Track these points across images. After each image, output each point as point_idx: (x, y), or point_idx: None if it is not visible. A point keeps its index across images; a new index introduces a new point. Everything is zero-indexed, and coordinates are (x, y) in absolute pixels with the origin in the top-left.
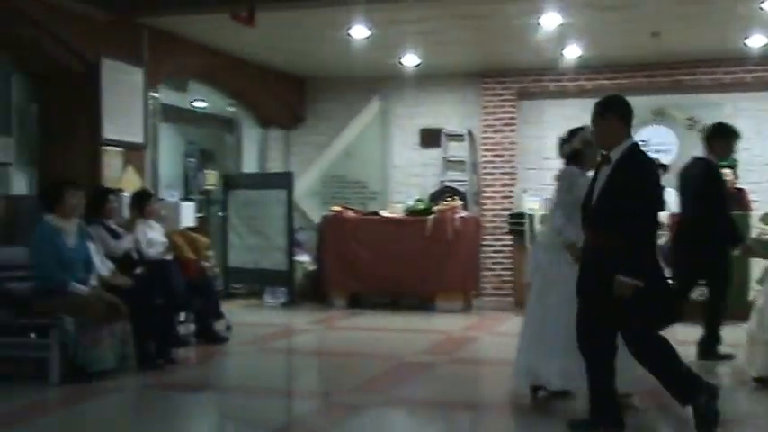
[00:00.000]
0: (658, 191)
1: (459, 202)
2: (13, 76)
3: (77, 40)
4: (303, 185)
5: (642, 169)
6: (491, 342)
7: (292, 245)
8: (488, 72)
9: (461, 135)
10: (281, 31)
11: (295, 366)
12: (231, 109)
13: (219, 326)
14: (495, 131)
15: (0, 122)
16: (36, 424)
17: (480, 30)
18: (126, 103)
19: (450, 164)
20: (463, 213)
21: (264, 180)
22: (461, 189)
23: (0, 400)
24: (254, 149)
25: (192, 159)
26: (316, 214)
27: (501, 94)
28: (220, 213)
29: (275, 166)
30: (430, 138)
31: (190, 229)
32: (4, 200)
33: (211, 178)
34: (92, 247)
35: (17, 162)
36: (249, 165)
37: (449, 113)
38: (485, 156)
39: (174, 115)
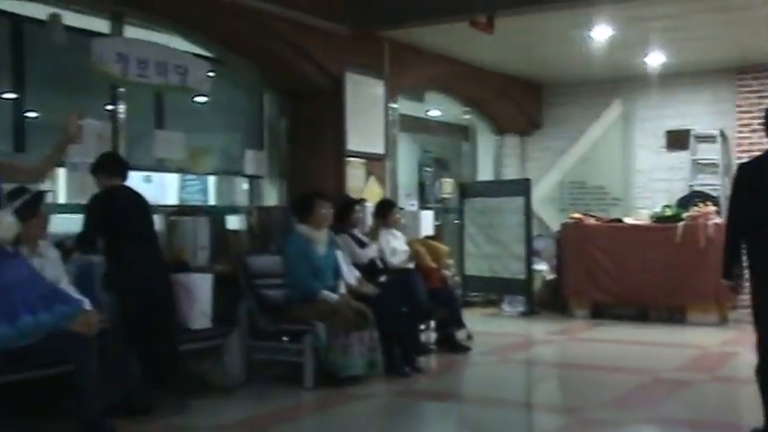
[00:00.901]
0: None
1: (712, 208)
2: (265, 93)
3: (323, 56)
4: (540, 192)
5: None
6: (753, 359)
7: (530, 253)
8: (744, 68)
9: (713, 136)
10: (519, 36)
11: (539, 378)
12: (467, 117)
13: (460, 335)
14: (752, 131)
15: (253, 137)
16: (292, 426)
17: (735, 22)
18: (368, 115)
19: (699, 167)
20: (717, 220)
21: (501, 187)
22: (713, 194)
23: (259, 401)
24: (489, 157)
25: (429, 168)
26: (554, 221)
27: (758, 91)
28: (456, 221)
29: (510, 173)
30: (677, 140)
31: (429, 237)
32: (258, 211)
33: (447, 186)
34: (340, 255)
35: (269, 174)
36: (484, 172)
37: (698, 113)
38: (740, 158)
39: (410, 125)
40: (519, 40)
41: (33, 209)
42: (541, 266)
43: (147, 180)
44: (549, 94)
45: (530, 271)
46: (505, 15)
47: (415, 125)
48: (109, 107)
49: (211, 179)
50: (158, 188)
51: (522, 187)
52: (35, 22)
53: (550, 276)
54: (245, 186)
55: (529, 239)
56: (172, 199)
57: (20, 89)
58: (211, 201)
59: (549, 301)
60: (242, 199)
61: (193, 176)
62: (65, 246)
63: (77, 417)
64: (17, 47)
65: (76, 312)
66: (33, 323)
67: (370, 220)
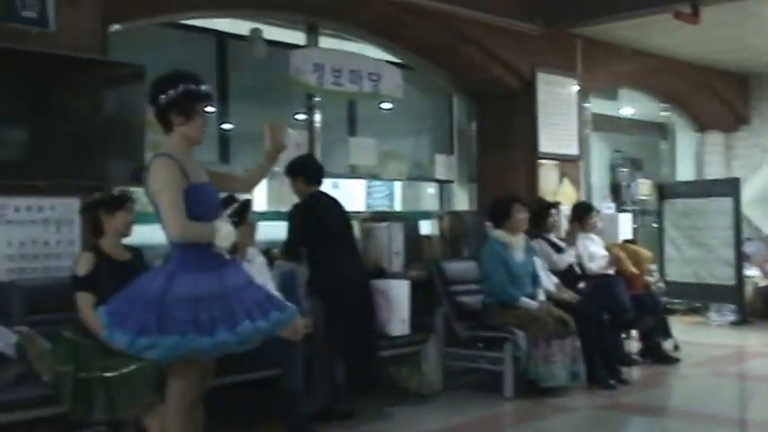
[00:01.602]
0: None
1: None
2: (455, 97)
3: (514, 57)
4: (750, 192)
5: None
6: None
7: (740, 258)
8: None
9: None
10: (726, 25)
11: (754, 394)
12: (664, 114)
13: (667, 345)
14: None
15: (443, 142)
16: None
17: None
18: (560, 115)
19: None
20: None
21: (705, 188)
22: None
23: (458, 410)
24: (688, 155)
25: (624, 169)
26: (765, 224)
27: None
28: (655, 224)
29: (713, 172)
30: None
31: (628, 241)
32: (450, 216)
33: (644, 188)
34: (537, 261)
35: (459, 179)
36: (683, 172)
37: None
38: None
39: (602, 124)
40: (725, 29)
41: (242, 217)
42: (752, 272)
43: (335, 186)
44: (757, 87)
45: (740, 277)
46: (711, 4)
47: (606, 124)
48: (304, 116)
49: (397, 185)
50: (345, 194)
51: (730, 187)
52: (237, 37)
53: (763, 283)
54: (432, 191)
55: (738, 243)
56: (359, 205)
57: (223, 102)
58: (397, 206)
59: (763, 310)
60: (429, 204)
61: (379, 182)
62: (269, 253)
63: (284, 420)
64: (222, 62)
65: (291, 319)
66: (252, 330)
67: (564, 224)
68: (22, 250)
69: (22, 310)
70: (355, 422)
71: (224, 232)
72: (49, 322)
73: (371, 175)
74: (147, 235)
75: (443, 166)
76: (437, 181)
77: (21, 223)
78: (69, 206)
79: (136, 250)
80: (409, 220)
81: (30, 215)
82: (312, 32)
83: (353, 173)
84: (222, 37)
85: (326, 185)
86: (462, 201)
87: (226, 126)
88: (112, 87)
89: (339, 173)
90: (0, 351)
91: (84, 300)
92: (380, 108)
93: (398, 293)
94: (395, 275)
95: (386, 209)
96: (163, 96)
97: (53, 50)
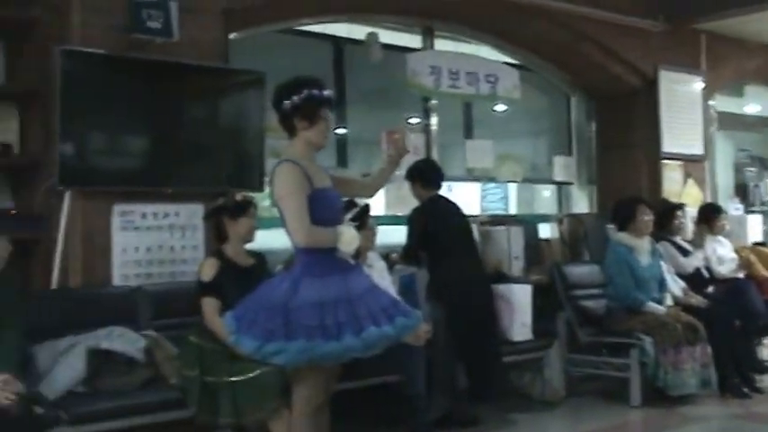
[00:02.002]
0: None
1: None
2: (572, 97)
3: (635, 55)
4: None
5: None
6: None
7: None
8: None
9: None
10: None
11: None
12: None
13: None
14: None
15: (561, 143)
16: None
17: None
18: (684, 113)
19: None
20: None
21: None
22: None
23: (583, 418)
24: None
25: (752, 168)
26: None
27: None
28: None
29: None
30: None
31: (758, 244)
32: (570, 219)
33: None
34: (663, 265)
35: (578, 181)
36: None
37: None
38: None
39: (727, 122)
40: None
41: (363, 221)
42: None
43: (449, 190)
44: None
45: None
46: None
47: (731, 122)
48: (418, 120)
49: (512, 187)
50: (459, 197)
51: None
52: (354, 42)
53: None
54: (547, 194)
55: None
56: (473, 208)
57: (340, 106)
58: (512, 209)
59: None
60: (544, 207)
61: (494, 185)
62: (388, 258)
63: (407, 426)
64: (338, 66)
65: (416, 325)
66: (377, 335)
67: (690, 226)
68: (149, 256)
69: (149, 314)
70: (478, 429)
71: (348, 237)
72: (174, 326)
73: (488, 178)
74: (269, 239)
75: (562, 167)
76: (555, 183)
77: (147, 229)
78: (194, 212)
79: (259, 255)
80: (528, 223)
81: (156, 221)
82: (428, 35)
83: (469, 175)
84: (339, 42)
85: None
86: (581, 203)
87: (343, 130)
88: (233, 94)
89: (455, 176)
90: (129, 355)
91: (210, 305)
92: (496, 110)
93: (521, 298)
94: (515, 279)
95: (500, 212)
96: (287, 102)
97: (177, 59)
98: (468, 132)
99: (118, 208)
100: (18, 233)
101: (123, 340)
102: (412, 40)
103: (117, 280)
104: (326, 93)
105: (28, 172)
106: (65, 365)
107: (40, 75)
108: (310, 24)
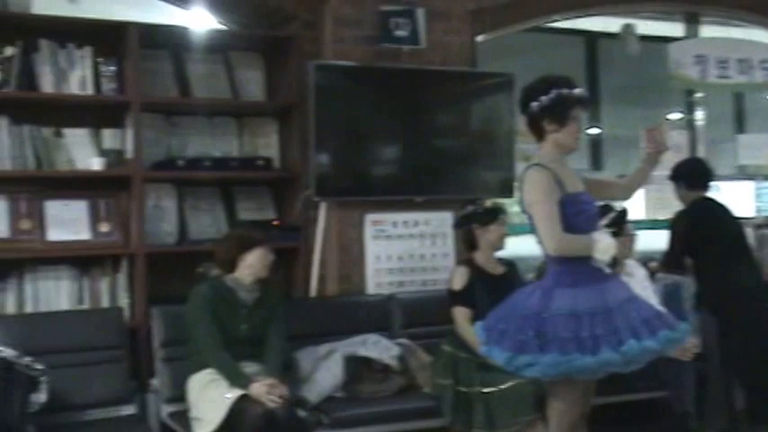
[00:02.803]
0: None
1: None
2: None
3: None
4: None
5: None
6: None
7: None
8: None
9: None
10: None
11: None
12: None
13: None
14: None
15: None
16: None
17: None
18: None
19: None
20: None
21: None
22: None
23: None
24: None
25: None
26: None
27: None
28: None
29: None
30: None
31: None
32: None
33: None
34: None
35: None
36: None
37: None
38: None
39: None
40: None
41: (620, 227)
42: None
43: (716, 190)
44: None
45: None
46: None
47: None
48: (681, 115)
49: None
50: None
51: None
52: (608, 36)
53: None
54: None
55: None
56: (746, 210)
57: (594, 105)
58: None
59: None
60: None
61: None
62: (647, 266)
63: None
64: (591, 62)
65: (682, 339)
66: (638, 349)
67: None
68: (401, 264)
69: (402, 322)
70: None
71: (603, 245)
72: (426, 335)
73: (763, 176)
74: (521, 246)
75: None
76: None
77: (399, 238)
78: (443, 220)
79: (510, 263)
80: None
81: (407, 230)
82: (692, 22)
83: (741, 174)
84: (591, 37)
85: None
86: None
87: (596, 130)
88: (482, 98)
89: (725, 174)
90: (384, 362)
91: (461, 314)
92: None
93: None
94: None
95: None
96: (535, 103)
97: (424, 66)
98: (740, 126)
99: (370, 217)
100: (280, 243)
101: (378, 348)
102: (673, 29)
103: (371, 288)
104: (577, 92)
105: (287, 184)
106: (325, 371)
107: (296, 90)
108: (561, 21)
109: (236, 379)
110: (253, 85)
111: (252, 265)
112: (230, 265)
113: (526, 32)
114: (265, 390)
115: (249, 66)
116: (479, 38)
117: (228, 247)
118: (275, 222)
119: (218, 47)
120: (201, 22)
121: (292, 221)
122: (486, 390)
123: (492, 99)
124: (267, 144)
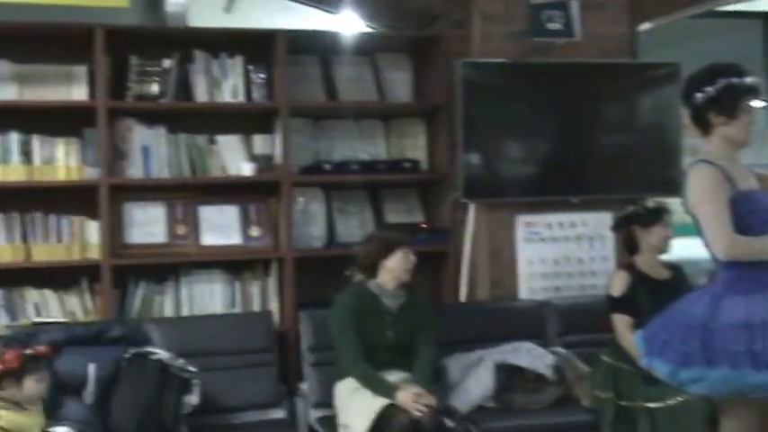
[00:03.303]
0: None
1: None
2: None
3: None
4: None
5: None
6: None
7: None
8: None
9: None
10: None
11: None
12: None
13: None
14: None
15: None
16: None
17: None
18: None
19: None
20: None
21: None
22: None
23: None
24: None
25: None
26: None
27: None
28: None
29: None
30: None
31: None
32: None
33: None
34: None
35: None
36: None
37: None
38: None
39: None
40: None
41: None
42: None
43: None
44: None
45: None
46: None
47: None
48: None
49: None
50: None
51: None
52: None
53: None
54: None
55: None
56: None
57: None
58: None
59: None
60: None
61: None
62: None
63: None
64: None
65: None
66: None
67: None
68: (557, 268)
69: (557, 330)
70: None
71: None
72: (584, 343)
73: None
74: (688, 248)
75: None
76: None
77: (554, 240)
78: (602, 221)
79: (676, 267)
80: None
81: (562, 232)
82: None
83: None
84: None
85: None
86: None
87: None
88: (644, 91)
89: None
90: (538, 371)
91: (622, 322)
92: None
93: None
94: None
95: None
96: (699, 95)
97: (580, 59)
98: None
99: (522, 219)
100: (429, 246)
101: (531, 356)
102: None
103: (523, 293)
104: (749, 80)
105: (435, 186)
106: (475, 379)
107: (444, 90)
108: (733, 3)
109: (379, 388)
110: (400, 86)
111: (393, 269)
112: (372, 270)
113: (696, 18)
114: (412, 398)
115: (396, 67)
116: (642, 27)
117: (369, 252)
118: (423, 225)
119: (365, 49)
120: (348, 26)
121: (441, 224)
122: (651, 405)
123: (656, 91)
124: (414, 145)
